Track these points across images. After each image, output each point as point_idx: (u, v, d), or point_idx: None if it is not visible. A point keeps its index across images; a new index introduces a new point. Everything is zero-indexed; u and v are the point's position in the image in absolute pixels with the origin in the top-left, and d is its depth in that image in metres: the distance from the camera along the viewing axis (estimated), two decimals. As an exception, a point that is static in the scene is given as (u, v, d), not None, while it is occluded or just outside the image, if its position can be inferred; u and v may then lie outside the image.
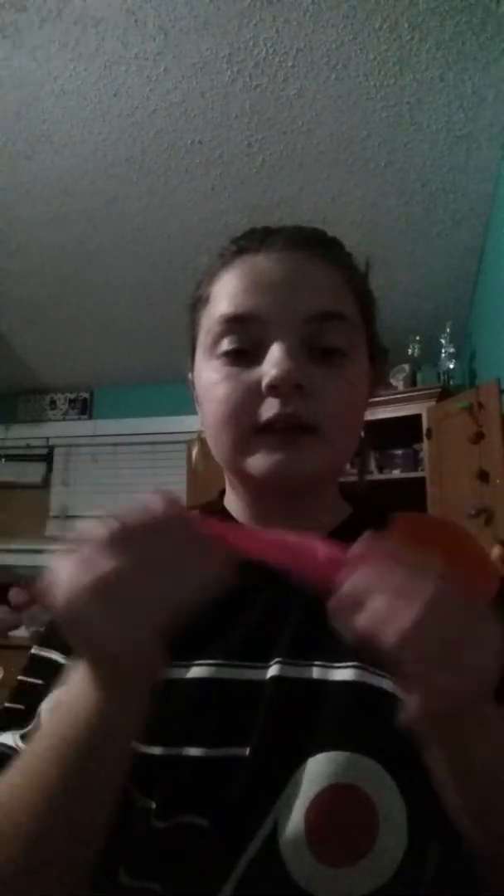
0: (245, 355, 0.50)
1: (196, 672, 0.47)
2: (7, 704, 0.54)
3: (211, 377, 0.52)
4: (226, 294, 0.52)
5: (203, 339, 0.54)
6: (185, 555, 0.37)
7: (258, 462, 0.49)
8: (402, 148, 1.96)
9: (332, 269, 0.53)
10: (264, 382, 0.48)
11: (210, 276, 0.56)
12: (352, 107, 1.82)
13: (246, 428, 0.49)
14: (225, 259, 0.55)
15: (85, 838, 0.40)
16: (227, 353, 0.51)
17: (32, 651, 0.57)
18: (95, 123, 1.93)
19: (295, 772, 0.43)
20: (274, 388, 0.47)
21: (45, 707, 0.51)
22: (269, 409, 0.48)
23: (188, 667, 0.47)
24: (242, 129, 1.93)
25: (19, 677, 0.55)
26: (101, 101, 1.84)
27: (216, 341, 0.51)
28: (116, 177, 2.16)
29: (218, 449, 0.53)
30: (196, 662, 0.47)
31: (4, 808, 0.39)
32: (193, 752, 0.44)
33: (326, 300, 0.51)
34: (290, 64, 1.69)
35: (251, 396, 0.49)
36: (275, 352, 0.48)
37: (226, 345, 0.50)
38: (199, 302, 0.56)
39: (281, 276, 0.51)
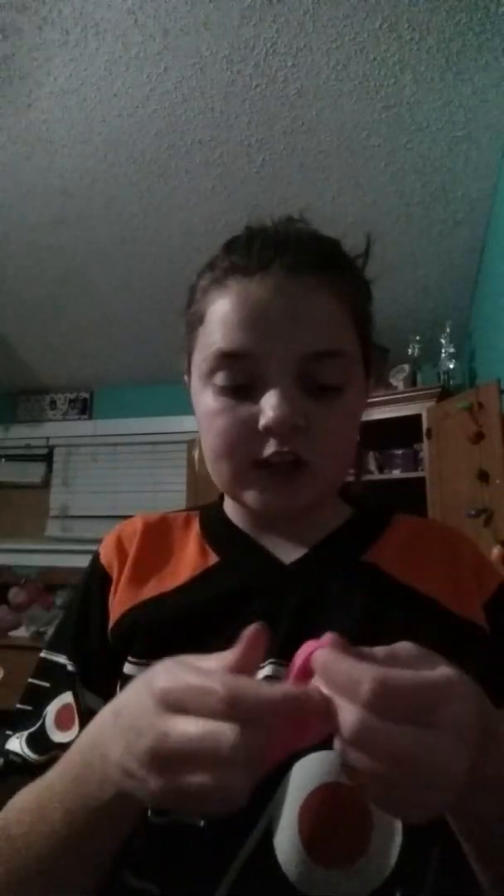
0: (241, 387, 0.50)
1: None
2: (18, 706, 0.56)
3: (208, 405, 0.51)
4: (220, 324, 0.50)
5: (199, 363, 0.53)
6: None
7: (255, 497, 0.51)
8: (402, 148, 1.96)
9: (331, 296, 0.50)
10: (261, 424, 0.48)
11: (203, 293, 0.53)
12: (352, 107, 1.82)
13: (244, 462, 0.50)
14: (217, 277, 0.52)
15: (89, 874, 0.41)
16: (223, 387, 0.50)
17: (42, 654, 0.58)
18: (95, 123, 1.93)
19: (287, 771, 0.43)
20: (270, 430, 0.48)
21: (52, 709, 0.53)
22: (267, 446, 0.49)
23: None
24: (242, 129, 1.93)
25: (29, 679, 0.58)
26: (101, 101, 1.84)
27: (211, 372, 0.51)
28: (116, 177, 2.16)
29: (217, 477, 0.54)
30: None
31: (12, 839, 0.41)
32: None
33: (324, 338, 0.49)
34: (290, 64, 1.69)
35: (248, 432, 0.49)
36: (271, 395, 0.48)
37: (221, 379, 0.50)
38: (193, 319, 0.55)
39: (277, 310, 0.48)
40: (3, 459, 4.00)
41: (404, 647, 0.34)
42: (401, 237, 2.37)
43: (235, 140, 1.97)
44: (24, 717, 0.55)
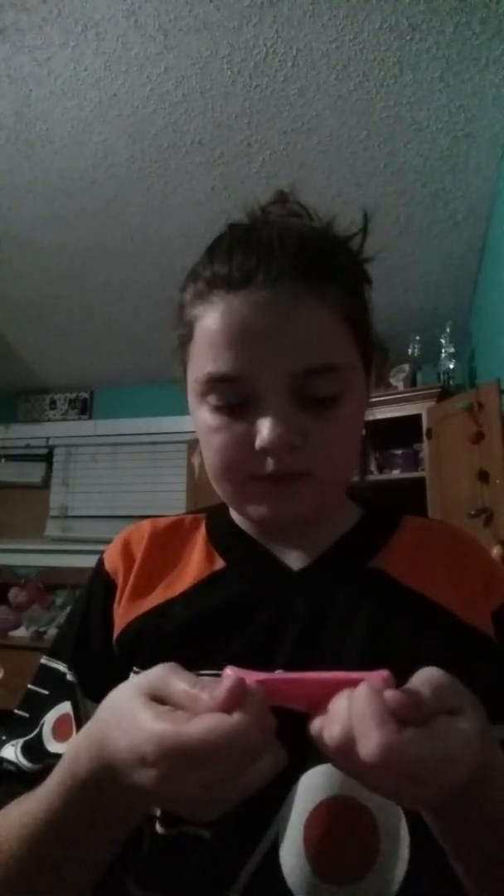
0: (236, 405, 0.48)
1: None
2: (15, 711, 0.55)
3: (205, 420, 0.50)
4: (207, 345, 0.48)
5: (192, 382, 0.52)
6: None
7: (256, 510, 0.50)
8: (402, 148, 1.96)
9: (321, 304, 0.47)
10: (257, 445, 0.47)
11: (190, 307, 0.51)
12: (352, 107, 1.81)
13: (243, 478, 0.49)
14: (201, 291, 0.50)
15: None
16: (218, 406, 0.49)
17: (42, 661, 0.57)
18: (95, 123, 1.93)
19: (294, 784, 0.43)
20: (267, 452, 0.47)
21: (49, 718, 0.52)
22: (265, 463, 0.48)
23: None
24: (242, 129, 1.93)
25: (28, 685, 0.57)
26: (101, 101, 1.84)
27: (204, 394, 0.50)
28: (116, 177, 2.16)
29: (219, 491, 0.53)
30: (202, 672, 0.48)
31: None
32: None
33: (315, 353, 0.47)
34: (290, 64, 1.69)
35: (246, 450, 0.48)
36: (265, 415, 0.47)
37: (214, 400, 0.49)
38: (183, 335, 0.53)
39: (264, 328, 0.46)
40: (3, 459, 4.00)
41: (437, 682, 0.34)
42: (401, 237, 2.37)
43: (235, 140, 1.97)
44: (21, 723, 0.54)
